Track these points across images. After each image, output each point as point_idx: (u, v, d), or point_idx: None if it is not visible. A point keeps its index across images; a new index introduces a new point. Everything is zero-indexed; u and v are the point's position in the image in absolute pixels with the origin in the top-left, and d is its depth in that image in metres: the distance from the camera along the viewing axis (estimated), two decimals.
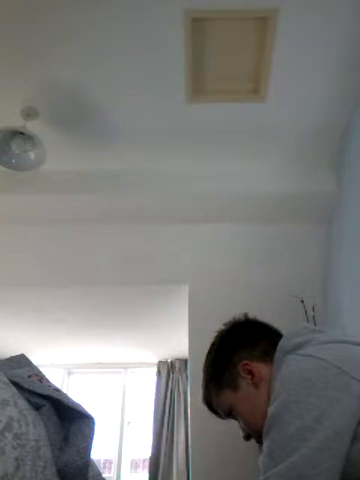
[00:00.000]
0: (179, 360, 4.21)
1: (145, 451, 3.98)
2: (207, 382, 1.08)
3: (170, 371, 4.22)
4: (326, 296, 2.41)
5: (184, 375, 4.11)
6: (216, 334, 1.12)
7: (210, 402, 1.08)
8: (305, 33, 1.88)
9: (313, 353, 0.82)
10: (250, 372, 0.99)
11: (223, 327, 1.12)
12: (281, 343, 0.95)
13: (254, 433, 0.99)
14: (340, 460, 0.69)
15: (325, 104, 2.20)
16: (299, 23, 1.84)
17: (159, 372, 4.22)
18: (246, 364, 0.99)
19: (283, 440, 0.73)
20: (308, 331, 0.95)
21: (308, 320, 2.18)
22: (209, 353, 1.11)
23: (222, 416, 1.07)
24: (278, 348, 0.94)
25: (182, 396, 4.04)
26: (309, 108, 2.23)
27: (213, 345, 1.11)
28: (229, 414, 1.04)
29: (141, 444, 4.16)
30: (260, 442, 1.05)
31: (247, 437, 1.03)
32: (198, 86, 2.10)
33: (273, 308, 2.25)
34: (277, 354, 0.93)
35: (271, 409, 0.79)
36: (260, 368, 0.97)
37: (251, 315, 1.13)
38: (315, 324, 2.17)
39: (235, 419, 1.05)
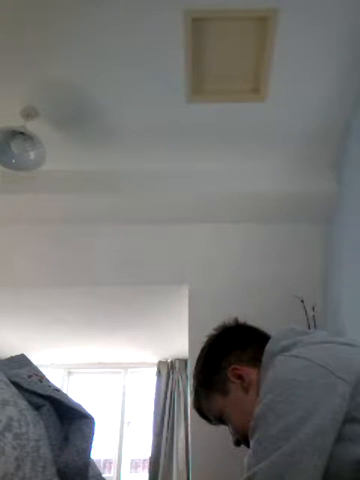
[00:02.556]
0: (179, 360, 4.21)
1: (145, 451, 3.98)
2: (196, 387, 1.08)
3: (170, 371, 4.22)
4: (326, 296, 2.41)
5: (184, 375, 4.11)
6: (206, 339, 1.12)
7: (200, 407, 1.08)
8: (305, 33, 1.88)
9: (299, 354, 0.82)
10: (239, 377, 0.98)
11: (213, 332, 1.12)
12: (268, 346, 0.94)
13: (243, 438, 0.98)
14: (323, 460, 0.69)
15: (325, 104, 2.20)
16: (299, 23, 1.84)
17: (159, 372, 4.22)
18: (235, 369, 0.99)
19: (267, 440, 0.73)
20: (294, 333, 0.95)
21: (308, 320, 2.18)
22: (199, 358, 1.11)
23: (212, 421, 1.07)
24: (265, 351, 0.94)
25: (182, 396, 4.04)
26: (309, 108, 2.23)
27: (203, 350, 1.11)
28: (220, 419, 1.04)
29: (141, 444, 4.16)
30: (249, 446, 1.05)
31: (237, 443, 1.03)
32: (198, 86, 2.10)
33: (273, 308, 2.26)
34: (264, 357, 0.93)
35: (256, 410, 0.79)
36: (249, 373, 0.97)
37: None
38: (315, 324, 2.17)
39: (225, 424, 1.04)
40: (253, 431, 0.78)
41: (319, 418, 0.70)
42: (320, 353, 0.81)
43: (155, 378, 4.22)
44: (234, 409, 0.99)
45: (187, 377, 3.89)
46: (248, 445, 1.00)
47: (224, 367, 1.01)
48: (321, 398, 0.72)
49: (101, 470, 1.02)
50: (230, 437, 1.05)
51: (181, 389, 4.09)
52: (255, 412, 0.79)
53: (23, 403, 0.79)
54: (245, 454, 0.81)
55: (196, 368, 1.10)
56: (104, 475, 0.97)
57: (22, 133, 2.09)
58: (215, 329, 1.12)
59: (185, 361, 4.04)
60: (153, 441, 3.87)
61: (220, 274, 2.57)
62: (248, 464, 0.75)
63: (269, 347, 0.94)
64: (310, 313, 2.20)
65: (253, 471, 0.71)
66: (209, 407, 1.05)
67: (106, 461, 4.18)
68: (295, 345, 0.89)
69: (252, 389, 0.95)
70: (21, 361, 1.02)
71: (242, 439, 1.00)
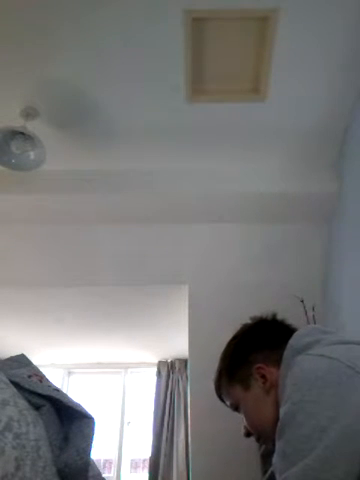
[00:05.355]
0: (179, 360, 4.21)
1: (145, 451, 3.98)
2: (221, 370, 1.08)
3: (170, 371, 4.22)
4: (326, 296, 2.41)
5: (184, 375, 4.11)
6: (241, 326, 1.11)
7: (219, 390, 1.08)
8: (305, 33, 1.88)
9: (325, 353, 0.81)
10: (263, 376, 0.98)
11: (249, 321, 1.11)
12: (291, 342, 0.94)
13: (255, 434, 1.00)
14: (354, 465, 0.67)
15: (325, 104, 2.20)
16: (299, 23, 1.84)
17: (159, 372, 4.22)
18: (260, 368, 0.99)
19: (297, 441, 0.72)
20: (318, 332, 0.95)
21: (308, 320, 2.18)
22: (229, 344, 1.10)
23: (228, 406, 1.07)
24: (288, 347, 0.93)
25: (182, 396, 4.04)
26: (309, 108, 2.23)
27: (235, 338, 1.10)
28: (235, 408, 1.04)
29: (141, 444, 4.16)
30: (259, 441, 1.05)
31: (247, 434, 1.03)
32: (198, 86, 2.10)
33: (273, 308, 2.25)
34: (286, 353, 0.92)
35: (284, 409, 0.78)
36: (273, 374, 0.96)
37: (250, 315, 1.13)
38: (315, 324, 2.17)
39: (239, 413, 1.04)
40: (282, 430, 0.76)
41: (350, 419, 0.69)
42: (346, 353, 0.80)
43: (155, 378, 4.22)
44: (252, 406, 0.99)
45: (187, 377, 3.89)
46: (257, 440, 1.02)
47: (251, 362, 1.01)
48: (350, 399, 0.72)
49: (101, 470, 1.02)
50: (241, 428, 1.04)
51: (181, 389, 4.09)
52: (283, 410, 0.78)
53: (23, 403, 0.79)
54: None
55: (224, 353, 1.10)
56: (104, 475, 0.97)
57: (22, 133, 2.09)
58: (251, 319, 1.11)
59: (185, 361, 4.04)
60: (153, 441, 3.87)
61: (220, 274, 2.57)
62: (278, 465, 0.74)
63: (292, 343, 0.93)
64: (310, 313, 2.20)
65: (286, 475, 0.70)
66: (228, 393, 1.05)
67: (106, 461, 4.18)
68: (318, 342, 0.88)
69: (272, 391, 0.94)
70: (21, 361, 1.02)
71: (254, 434, 1.00)
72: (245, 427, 1.03)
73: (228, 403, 1.06)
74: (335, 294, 2.30)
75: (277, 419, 0.80)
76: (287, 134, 2.38)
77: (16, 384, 0.83)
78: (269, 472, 1.46)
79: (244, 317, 1.13)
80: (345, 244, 2.25)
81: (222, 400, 1.08)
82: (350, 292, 2.11)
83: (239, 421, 1.08)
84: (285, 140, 2.42)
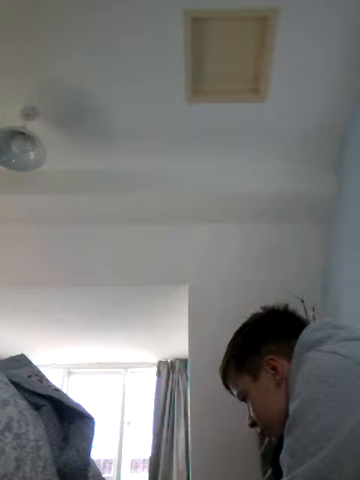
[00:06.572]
0: (179, 360, 4.21)
1: (145, 451, 3.98)
2: (229, 359, 1.05)
3: (170, 371, 4.22)
4: (326, 296, 2.41)
5: (184, 375, 4.10)
6: (251, 315, 1.07)
7: (226, 378, 1.05)
8: (305, 33, 1.89)
9: (337, 350, 0.80)
10: (274, 368, 0.95)
11: (260, 311, 1.07)
12: (302, 337, 0.92)
13: (260, 425, 0.98)
14: None
15: (325, 104, 2.20)
16: (299, 23, 1.84)
17: (159, 372, 4.22)
18: (272, 359, 0.96)
19: (306, 439, 0.71)
20: (329, 326, 0.93)
21: (308, 320, 2.18)
22: (239, 333, 1.07)
23: (233, 394, 1.04)
24: (299, 341, 0.91)
25: (182, 396, 4.03)
26: (309, 108, 2.23)
27: (245, 326, 1.06)
28: (242, 398, 1.02)
29: (141, 444, 4.16)
30: (263, 433, 1.03)
31: (252, 424, 1.00)
32: (198, 86, 2.10)
33: None
34: (297, 347, 0.90)
35: (293, 406, 0.77)
36: (285, 366, 0.94)
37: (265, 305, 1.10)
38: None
39: (246, 402, 1.02)
40: (291, 427, 0.75)
41: (359, 418, 0.69)
42: (358, 351, 0.80)
43: (155, 378, 4.22)
44: (260, 398, 0.97)
45: (187, 377, 3.88)
46: (261, 431, 1.00)
47: (262, 353, 0.98)
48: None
49: (101, 470, 1.02)
50: (246, 419, 1.01)
51: (181, 389, 4.09)
52: (292, 407, 0.77)
53: (23, 403, 0.79)
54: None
55: (234, 341, 1.07)
56: (104, 475, 0.97)
57: (22, 133, 2.09)
58: (263, 308, 1.07)
59: (185, 361, 4.03)
60: (153, 441, 3.87)
61: (220, 274, 2.56)
62: (286, 463, 0.73)
63: (303, 337, 0.92)
64: (310, 313, 2.20)
65: (294, 473, 0.69)
66: (235, 383, 1.03)
67: (106, 461, 4.18)
68: (330, 338, 0.87)
69: (283, 384, 0.92)
70: (21, 361, 1.02)
71: (259, 426, 0.98)
72: (250, 417, 1.00)
73: (235, 392, 1.04)
74: (335, 294, 2.30)
75: (286, 413, 0.80)
76: (287, 134, 2.38)
77: (16, 384, 0.83)
78: (269, 472, 1.46)
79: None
80: (345, 244, 2.25)
81: (227, 389, 1.06)
82: (350, 292, 2.11)
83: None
84: (285, 140, 2.42)
